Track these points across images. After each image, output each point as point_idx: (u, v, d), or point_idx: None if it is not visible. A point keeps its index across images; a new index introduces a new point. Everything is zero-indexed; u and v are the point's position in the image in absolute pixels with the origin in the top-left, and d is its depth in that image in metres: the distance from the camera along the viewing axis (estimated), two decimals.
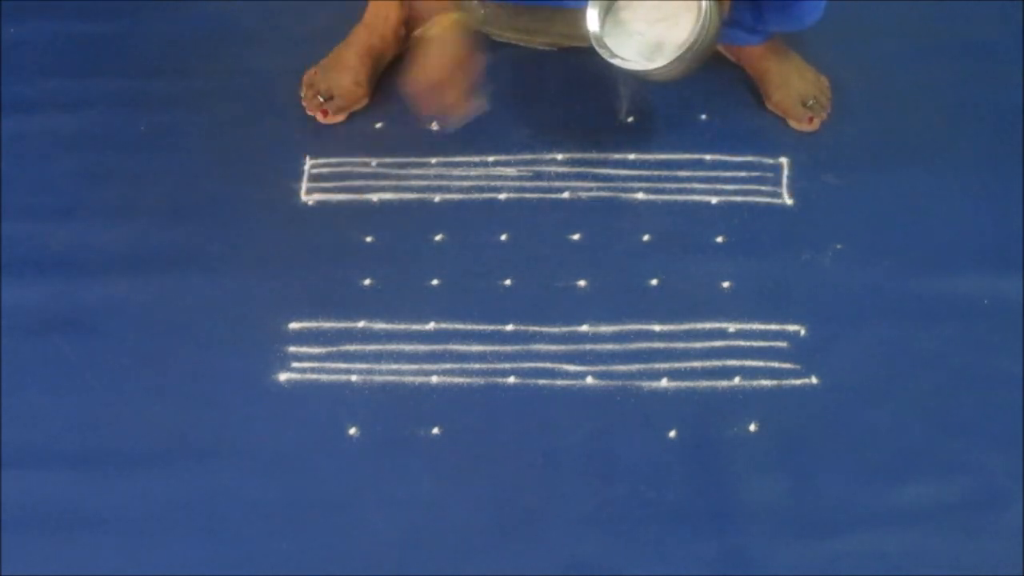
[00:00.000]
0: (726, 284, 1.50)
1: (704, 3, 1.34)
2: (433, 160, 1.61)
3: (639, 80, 1.46)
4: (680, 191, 1.58)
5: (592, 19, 1.40)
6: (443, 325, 1.46)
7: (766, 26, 1.57)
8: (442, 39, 1.38)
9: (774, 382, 1.41)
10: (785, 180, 1.60)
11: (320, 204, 1.58)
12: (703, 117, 1.66)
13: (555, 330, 1.46)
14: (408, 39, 1.74)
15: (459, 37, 1.39)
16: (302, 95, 1.67)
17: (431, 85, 1.40)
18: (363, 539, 1.30)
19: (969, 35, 1.78)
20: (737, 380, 1.41)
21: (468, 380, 1.41)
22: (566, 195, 1.59)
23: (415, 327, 1.46)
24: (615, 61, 1.39)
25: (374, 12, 1.69)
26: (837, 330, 1.45)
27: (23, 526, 1.30)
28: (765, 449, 1.36)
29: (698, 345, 1.44)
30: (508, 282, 1.50)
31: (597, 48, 1.40)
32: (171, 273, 1.50)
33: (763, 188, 1.60)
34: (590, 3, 1.40)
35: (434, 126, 1.62)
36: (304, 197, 1.59)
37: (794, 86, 1.65)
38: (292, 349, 1.44)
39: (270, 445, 1.36)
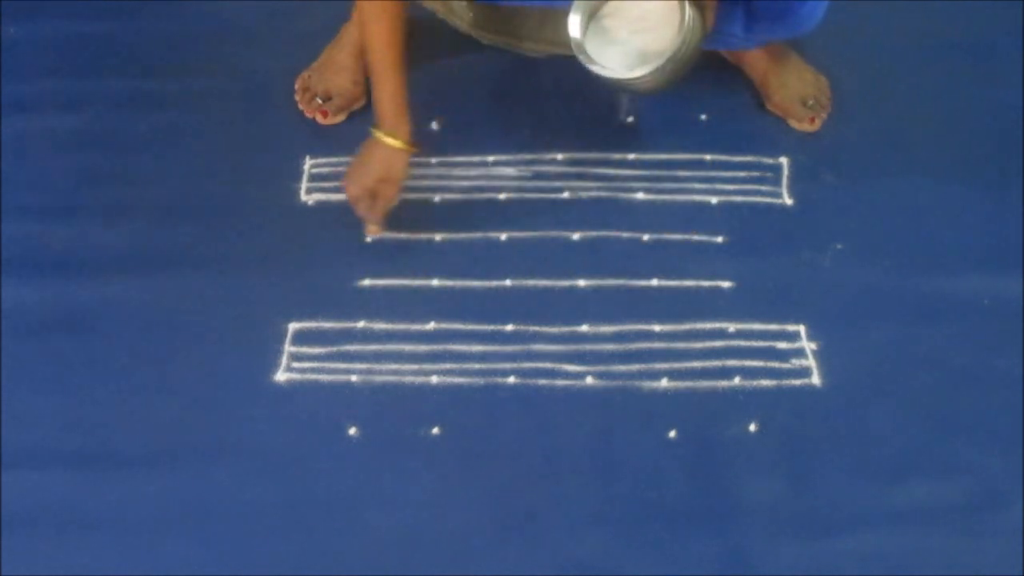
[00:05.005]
0: (726, 284, 1.50)
1: (688, 12, 1.33)
2: (433, 160, 1.61)
3: (622, 88, 1.45)
4: (680, 191, 1.58)
5: (574, 25, 1.38)
6: (443, 325, 1.46)
7: (757, 36, 1.56)
8: (388, 152, 1.45)
9: (774, 382, 1.41)
10: (785, 180, 1.60)
11: (320, 204, 1.58)
12: (703, 117, 1.66)
13: (555, 330, 1.46)
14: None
15: (402, 157, 1.46)
16: (297, 99, 1.66)
17: (364, 189, 1.48)
18: (363, 539, 1.30)
19: (969, 35, 1.78)
20: (737, 380, 1.41)
21: (468, 380, 1.41)
22: (566, 195, 1.58)
23: (415, 327, 1.46)
24: (595, 69, 1.37)
25: None
26: (837, 330, 1.45)
27: (23, 526, 1.30)
28: (765, 449, 1.36)
29: (698, 345, 1.44)
30: (508, 282, 1.50)
31: (578, 55, 1.38)
32: (171, 273, 1.50)
33: (763, 188, 1.60)
34: (572, 9, 1.38)
35: (434, 126, 1.62)
36: (304, 197, 1.58)
37: (794, 86, 1.65)
38: (292, 349, 1.44)
39: (270, 445, 1.36)
